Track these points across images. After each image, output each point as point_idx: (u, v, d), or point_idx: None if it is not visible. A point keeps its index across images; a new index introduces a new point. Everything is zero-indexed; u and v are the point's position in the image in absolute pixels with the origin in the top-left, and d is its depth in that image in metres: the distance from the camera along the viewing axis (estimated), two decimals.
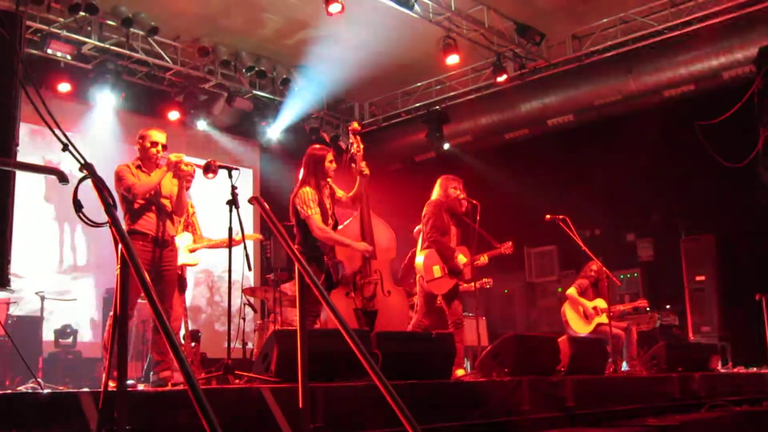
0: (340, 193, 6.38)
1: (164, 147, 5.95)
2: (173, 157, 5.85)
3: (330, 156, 6.30)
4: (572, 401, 5.36)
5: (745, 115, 8.75)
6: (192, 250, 6.92)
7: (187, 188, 6.18)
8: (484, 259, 7.30)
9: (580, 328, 8.89)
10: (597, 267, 8.73)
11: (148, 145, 5.92)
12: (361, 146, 6.44)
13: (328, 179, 6.29)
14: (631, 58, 11.17)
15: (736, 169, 9.23)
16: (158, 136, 5.97)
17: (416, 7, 9.86)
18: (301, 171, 6.29)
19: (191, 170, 5.99)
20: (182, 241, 6.71)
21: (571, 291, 9.01)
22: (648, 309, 10.03)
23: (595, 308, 8.90)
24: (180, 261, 6.56)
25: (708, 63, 10.54)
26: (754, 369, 9.18)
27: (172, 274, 5.93)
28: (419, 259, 7.12)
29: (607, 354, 7.16)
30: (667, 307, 10.86)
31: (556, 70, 11.80)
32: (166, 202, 5.93)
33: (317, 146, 6.53)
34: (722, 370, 8.78)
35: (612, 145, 11.93)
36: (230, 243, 5.04)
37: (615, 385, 6.29)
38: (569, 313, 8.99)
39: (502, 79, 11.63)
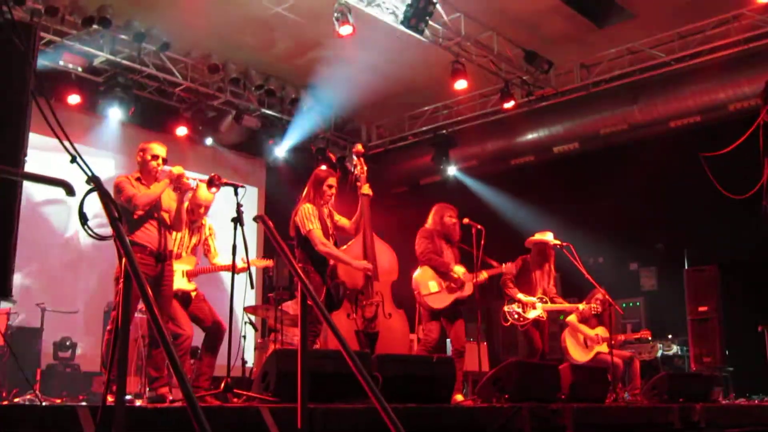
0: (338, 217, 6.40)
1: (164, 160, 5.95)
2: (175, 170, 5.84)
3: (331, 180, 6.34)
4: (572, 429, 5.32)
5: (751, 148, 8.76)
6: (192, 275, 6.48)
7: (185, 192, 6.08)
8: (483, 275, 7.26)
9: (579, 356, 8.82)
10: (602, 296, 8.65)
11: (149, 157, 5.91)
12: (365, 168, 6.47)
13: (328, 202, 6.33)
14: (637, 88, 11.21)
15: (741, 200, 9.23)
16: (159, 149, 5.97)
17: (426, 31, 9.92)
18: (305, 189, 6.35)
19: (192, 185, 5.97)
20: (182, 265, 6.37)
21: (572, 318, 8.96)
22: (650, 339, 9.98)
23: (596, 336, 8.84)
24: (174, 286, 6.11)
25: (714, 95, 10.59)
26: (756, 401, 9.13)
27: (169, 289, 5.90)
28: (415, 275, 7.14)
29: (609, 382, 7.12)
30: (669, 336, 10.81)
31: (563, 98, 11.84)
32: (165, 215, 5.92)
33: (323, 168, 6.60)
34: (724, 402, 8.72)
35: (617, 173, 11.94)
36: (234, 262, 5.03)
37: (615, 414, 6.24)
38: (568, 340, 8.93)
39: (509, 105, 11.67)
